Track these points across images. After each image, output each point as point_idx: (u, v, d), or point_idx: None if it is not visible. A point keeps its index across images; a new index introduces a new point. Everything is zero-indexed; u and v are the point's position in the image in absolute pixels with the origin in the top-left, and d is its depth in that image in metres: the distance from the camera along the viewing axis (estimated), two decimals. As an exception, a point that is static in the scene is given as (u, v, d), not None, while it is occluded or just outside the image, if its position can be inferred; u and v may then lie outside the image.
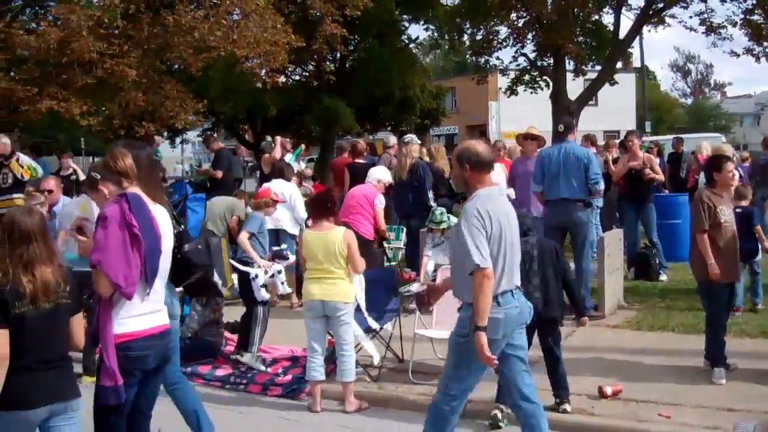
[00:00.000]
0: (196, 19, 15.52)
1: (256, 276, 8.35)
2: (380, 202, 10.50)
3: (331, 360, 7.49)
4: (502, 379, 5.59)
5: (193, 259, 5.83)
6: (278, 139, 14.32)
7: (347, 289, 7.13)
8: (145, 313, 4.52)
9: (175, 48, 15.71)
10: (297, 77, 32.49)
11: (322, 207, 7.34)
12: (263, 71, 17.86)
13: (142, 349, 4.47)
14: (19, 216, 4.34)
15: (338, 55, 28.95)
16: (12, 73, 16.79)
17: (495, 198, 5.25)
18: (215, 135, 18.03)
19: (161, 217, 4.67)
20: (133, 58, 15.42)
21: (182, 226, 6.04)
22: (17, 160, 12.37)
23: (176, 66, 20.39)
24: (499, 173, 11.61)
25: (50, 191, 8.95)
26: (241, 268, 8.44)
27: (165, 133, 26.99)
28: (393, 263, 11.72)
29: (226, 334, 9.01)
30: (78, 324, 4.52)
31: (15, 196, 11.66)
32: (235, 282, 11.50)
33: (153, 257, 4.50)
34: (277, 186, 10.60)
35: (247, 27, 16.06)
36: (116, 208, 4.43)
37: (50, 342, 4.29)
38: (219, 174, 14.23)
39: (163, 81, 16.85)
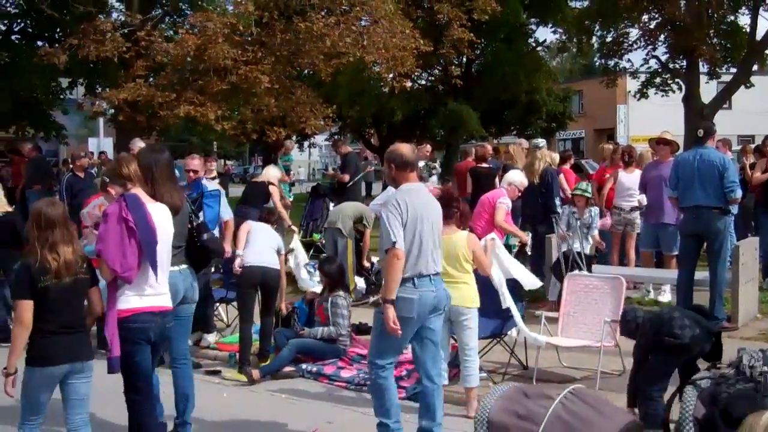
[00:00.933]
0: (328, 25, 15.77)
1: None
2: (501, 201, 10.28)
3: (455, 364, 7.51)
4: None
5: (210, 246, 6.53)
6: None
7: (471, 294, 7.13)
8: (147, 294, 5.42)
9: (306, 54, 16.01)
10: (423, 81, 32.62)
11: (443, 211, 7.29)
12: (390, 76, 18.01)
13: (143, 322, 5.38)
14: (44, 207, 5.22)
15: (464, 59, 28.92)
16: (151, 80, 17.48)
17: (415, 191, 6.03)
18: (342, 139, 18.34)
19: (159, 213, 5.53)
20: (266, 65, 15.80)
21: (200, 219, 6.75)
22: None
23: (306, 71, 20.79)
24: (638, 177, 11.39)
25: (195, 171, 9.06)
26: None
27: (294, 137, 27.60)
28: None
29: (353, 335, 9.14)
30: (95, 295, 5.37)
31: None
32: (359, 284, 11.73)
33: (150, 247, 5.33)
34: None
35: (376, 33, 16.23)
36: (116, 206, 5.36)
37: (70, 310, 5.17)
38: (346, 178, 14.47)
39: (294, 86, 17.18)
